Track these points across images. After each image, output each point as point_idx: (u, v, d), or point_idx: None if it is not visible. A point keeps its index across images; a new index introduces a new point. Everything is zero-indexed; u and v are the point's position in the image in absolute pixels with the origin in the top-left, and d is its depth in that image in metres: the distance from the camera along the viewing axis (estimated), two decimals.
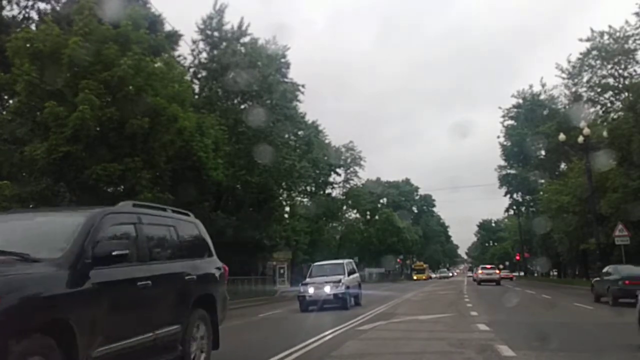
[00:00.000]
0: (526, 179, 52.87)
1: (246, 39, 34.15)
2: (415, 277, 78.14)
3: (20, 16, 26.61)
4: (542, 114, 45.17)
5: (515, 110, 50.36)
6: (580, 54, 33.60)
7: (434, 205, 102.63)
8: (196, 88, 32.45)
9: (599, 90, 33.31)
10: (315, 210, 50.58)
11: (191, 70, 33.15)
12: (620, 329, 10.96)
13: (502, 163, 55.44)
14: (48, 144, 18.48)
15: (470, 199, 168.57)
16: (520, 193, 60.09)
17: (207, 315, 6.86)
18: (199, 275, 6.73)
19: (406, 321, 13.79)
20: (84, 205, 12.60)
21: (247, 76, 31.04)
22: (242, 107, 34.20)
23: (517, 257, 76.48)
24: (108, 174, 18.82)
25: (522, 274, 77.80)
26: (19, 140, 20.07)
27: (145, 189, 19.03)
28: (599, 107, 34.40)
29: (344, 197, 66.98)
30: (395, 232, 75.67)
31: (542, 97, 46.19)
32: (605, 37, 32.37)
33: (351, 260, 23.39)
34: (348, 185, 67.41)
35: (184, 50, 32.95)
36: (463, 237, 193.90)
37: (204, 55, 33.99)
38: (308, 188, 50.41)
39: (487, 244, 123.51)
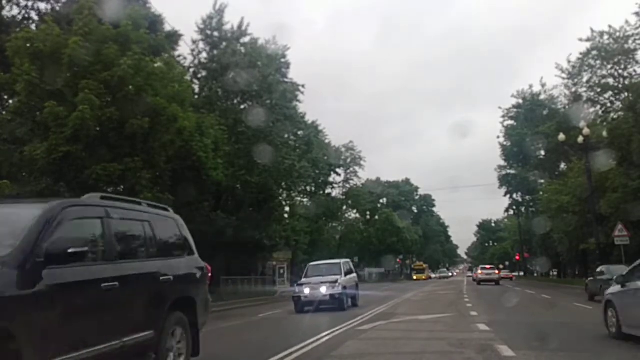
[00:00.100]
0: (526, 179, 52.89)
1: (246, 39, 34.24)
2: (415, 277, 78.18)
3: (20, 16, 26.59)
4: (542, 114, 45.12)
5: (515, 110, 50.33)
6: (580, 54, 33.58)
7: (434, 205, 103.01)
8: (196, 88, 32.48)
9: (598, 90, 33.24)
10: (315, 210, 50.66)
11: (191, 70, 33.18)
12: None
13: (502, 163, 55.56)
14: (48, 144, 18.47)
15: (470, 199, 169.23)
16: (520, 193, 60.15)
17: (185, 319, 6.33)
18: (177, 275, 6.21)
19: (406, 321, 13.78)
20: None
21: (247, 76, 31.07)
22: (242, 107, 34.25)
23: (517, 257, 76.44)
24: (108, 174, 18.80)
25: (521, 274, 77.78)
26: (19, 140, 20.04)
27: (145, 189, 19.01)
28: (598, 107, 34.34)
29: (344, 197, 67.09)
30: (395, 232, 75.75)
31: (542, 97, 46.12)
32: (605, 37, 32.32)
33: (348, 260, 22.93)
34: (348, 185, 67.66)
35: (184, 50, 33.04)
36: (463, 237, 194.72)
37: (204, 55, 34.07)
38: (308, 188, 50.49)
39: (487, 244, 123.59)
